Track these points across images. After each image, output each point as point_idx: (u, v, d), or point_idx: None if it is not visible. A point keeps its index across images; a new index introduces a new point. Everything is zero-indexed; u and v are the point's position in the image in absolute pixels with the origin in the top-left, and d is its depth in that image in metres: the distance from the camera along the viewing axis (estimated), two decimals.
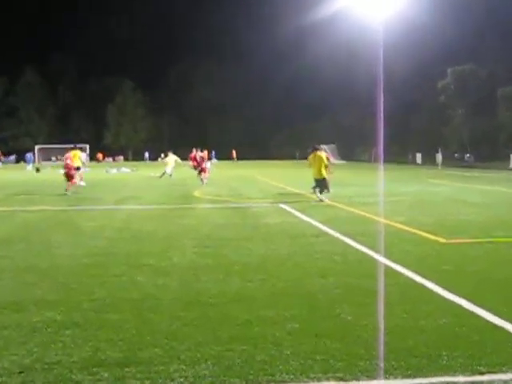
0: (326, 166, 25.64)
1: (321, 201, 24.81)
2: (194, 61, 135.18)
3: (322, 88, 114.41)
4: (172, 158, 47.67)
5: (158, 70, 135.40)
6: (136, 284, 10.14)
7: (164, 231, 16.68)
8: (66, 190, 30.40)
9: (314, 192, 25.75)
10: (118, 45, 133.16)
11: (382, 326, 7.56)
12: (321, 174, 25.41)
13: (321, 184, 25.53)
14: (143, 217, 20.41)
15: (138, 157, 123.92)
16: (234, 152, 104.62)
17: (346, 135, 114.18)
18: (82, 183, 35.23)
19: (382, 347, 6.87)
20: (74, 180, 31.43)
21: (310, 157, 26.36)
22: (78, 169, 33.75)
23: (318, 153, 26.04)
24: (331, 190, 26.51)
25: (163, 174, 45.86)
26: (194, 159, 45.34)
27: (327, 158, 28.01)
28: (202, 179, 37.84)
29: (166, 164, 48.13)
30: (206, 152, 42.92)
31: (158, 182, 41.88)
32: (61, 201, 26.61)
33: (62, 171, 32.32)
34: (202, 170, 38.76)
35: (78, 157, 34.64)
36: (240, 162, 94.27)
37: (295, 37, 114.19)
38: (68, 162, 31.81)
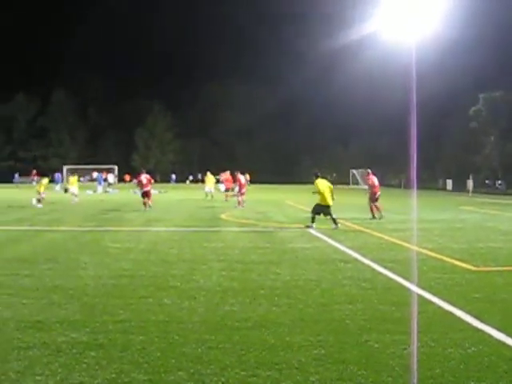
0: (317, 193, 24.94)
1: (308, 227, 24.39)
2: (223, 84, 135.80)
3: (352, 113, 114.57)
4: (211, 179, 48.35)
5: (188, 93, 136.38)
6: (162, 306, 10.09)
7: (191, 254, 16.64)
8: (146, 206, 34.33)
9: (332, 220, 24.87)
10: (148, 68, 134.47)
11: (409, 354, 7.44)
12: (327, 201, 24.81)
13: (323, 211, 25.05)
14: (170, 239, 20.38)
15: (165, 178, 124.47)
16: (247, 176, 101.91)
17: (375, 161, 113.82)
18: (40, 205, 37.10)
19: (408, 375, 6.75)
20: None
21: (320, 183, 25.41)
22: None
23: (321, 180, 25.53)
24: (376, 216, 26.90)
25: (209, 195, 46.78)
26: (228, 181, 45.29)
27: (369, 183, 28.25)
28: (239, 202, 38.09)
29: (206, 184, 48.87)
30: (247, 175, 42.81)
31: (185, 203, 41.95)
32: (87, 221, 26.72)
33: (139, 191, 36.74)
34: (241, 193, 38.87)
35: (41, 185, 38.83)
36: (252, 186, 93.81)
37: (326, 61, 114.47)
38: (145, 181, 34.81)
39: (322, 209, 24.74)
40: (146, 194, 35.35)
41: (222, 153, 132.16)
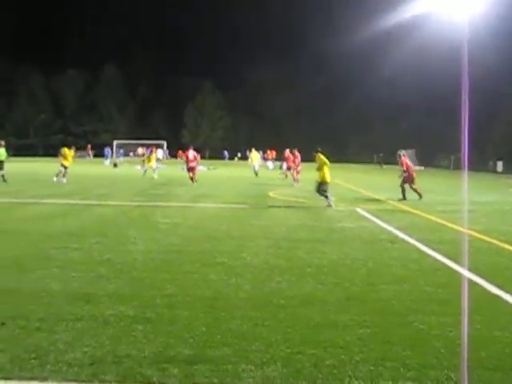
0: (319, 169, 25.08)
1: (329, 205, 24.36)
2: (272, 63, 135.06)
3: (402, 92, 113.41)
4: (257, 155, 48.09)
5: (237, 71, 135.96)
6: (208, 282, 10.17)
7: (238, 231, 16.72)
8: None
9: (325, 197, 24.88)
10: (198, 46, 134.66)
11: (455, 337, 7.41)
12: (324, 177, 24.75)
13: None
14: (218, 215, 20.50)
15: (214, 155, 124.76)
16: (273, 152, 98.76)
17: (425, 141, 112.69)
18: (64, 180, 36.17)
19: (454, 358, 6.73)
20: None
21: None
22: (65, 167, 35.98)
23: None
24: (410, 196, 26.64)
25: (257, 172, 46.49)
26: (289, 159, 44.87)
27: (405, 165, 27.97)
28: (295, 179, 38.33)
29: (252, 161, 48.54)
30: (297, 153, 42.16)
31: (233, 180, 42.07)
32: (137, 196, 26.98)
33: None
34: (297, 172, 39.23)
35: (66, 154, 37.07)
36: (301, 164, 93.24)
37: (375, 41, 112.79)
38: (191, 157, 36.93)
39: (325, 186, 24.77)
40: (190, 170, 36.79)
41: (270, 131, 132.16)
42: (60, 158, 36.79)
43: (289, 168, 43.30)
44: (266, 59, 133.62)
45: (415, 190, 28.80)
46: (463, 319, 7.96)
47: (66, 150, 37.08)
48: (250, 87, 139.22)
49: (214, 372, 6.20)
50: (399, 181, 28.94)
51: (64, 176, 35.74)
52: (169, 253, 12.86)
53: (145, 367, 6.29)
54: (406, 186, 28.60)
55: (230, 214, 20.93)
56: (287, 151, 44.40)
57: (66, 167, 36.03)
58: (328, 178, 24.70)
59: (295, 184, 38.13)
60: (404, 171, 28.66)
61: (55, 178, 35.56)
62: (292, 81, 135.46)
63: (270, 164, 70.04)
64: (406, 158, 29.52)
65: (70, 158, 36.90)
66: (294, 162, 40.79)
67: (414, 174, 29.28)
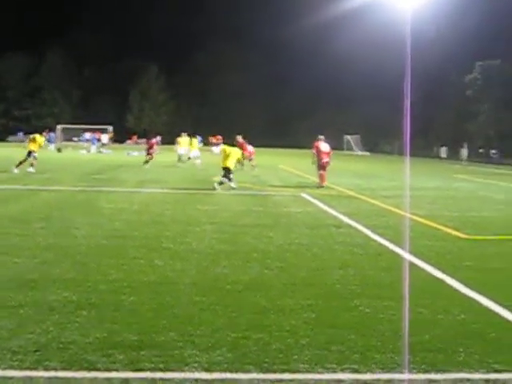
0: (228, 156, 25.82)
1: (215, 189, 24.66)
2: (218, 47, 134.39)
3: (349, 80, 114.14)
4: (185, 141, 46.15)
5: (182, 55, 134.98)
6: (154, 267, 10.13)
7: (183, 216, 16.67)
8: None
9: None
10: (143, 29, 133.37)
11: (398, 320, 7.51)
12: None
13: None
14: (163, 200, 20.39)
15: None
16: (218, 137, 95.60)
17: (371, 126, 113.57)
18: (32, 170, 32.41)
19: (397, 340, 6.82)
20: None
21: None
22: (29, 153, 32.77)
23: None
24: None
25: (183, 157, 45.00)
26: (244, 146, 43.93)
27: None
28: (252, 166, 38.26)
29: (179, 146, 46.43)
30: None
31: (179, 166, 41.83)
32: (81, 181, 26.67)
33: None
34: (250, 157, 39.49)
35: (35, 141, 33.88)
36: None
37: (323, 28, 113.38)
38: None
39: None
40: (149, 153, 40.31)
41: (215, 116, 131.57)
42: (28, 145, 34.51)
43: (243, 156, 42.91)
44: (214, 43, 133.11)
45: (320, 177, 28.04)
46: (404, 302, 8.09)
47: (37, 137, 35.04)
48: (195, 72, 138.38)
49: (160, 357, 6.17)
50: (313, 167, 28.57)
51: (33, 166, 33.35)
52: (113, 238, 12.78)
53: (90, 353, 6.24)
54: (321, 171, 28.01)
55: (176, 199, 20.84)
56: (239, 138, 43.21)
57: (33, 154, 33.84)
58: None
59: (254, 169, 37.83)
60: (315, 156, 28.28)
61: (15, 170, 32.82)
62: (239, 66, 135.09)
63: (214, 149, 69.67)
64: (319, 142, 28.59)
65: (38, 146, 34.69)
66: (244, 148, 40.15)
67: (325, 161, 28.12)
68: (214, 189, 24.22)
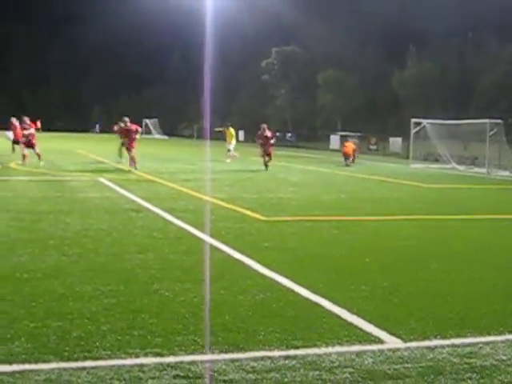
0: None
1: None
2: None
3: (145, 63, 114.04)
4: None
5: None
6: None
7: None
8: None
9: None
10: None
11: (199, 302, 7.56)
12: None
13: None
14: None
15: None
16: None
17: (168, 110, 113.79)
18: None
19: (199, 322, 6.86)
20: None
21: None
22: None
23: None
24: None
25: None
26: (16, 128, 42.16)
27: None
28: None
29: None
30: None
31: None
32: None
33: None
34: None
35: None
36: (44, 134, 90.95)
37: (115, 9, 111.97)
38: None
39: None
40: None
41: (9, 100, 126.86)
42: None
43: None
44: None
45: (132, 159, 28.39)
46: (205, 285, 8.17)
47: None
48: None
49: None
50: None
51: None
52: None
53: None
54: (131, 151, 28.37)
55: None
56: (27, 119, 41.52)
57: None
58: None
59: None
60: (121, 136, 28.67)
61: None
62: (30, 47, 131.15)
63: (10, 135, 67.21)
64: (128, 125, 29.27)
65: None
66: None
67: (133, 141, 28.65)
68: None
